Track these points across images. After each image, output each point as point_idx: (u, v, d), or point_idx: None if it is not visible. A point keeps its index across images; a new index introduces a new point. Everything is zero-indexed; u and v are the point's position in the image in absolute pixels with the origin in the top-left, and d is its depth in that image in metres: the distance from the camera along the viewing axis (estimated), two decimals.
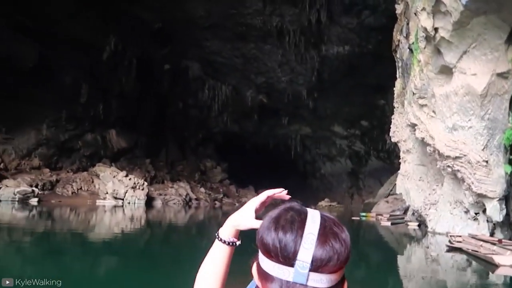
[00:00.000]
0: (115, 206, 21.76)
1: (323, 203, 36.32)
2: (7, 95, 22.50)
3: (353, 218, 21.47)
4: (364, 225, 20.03)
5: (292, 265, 0.71)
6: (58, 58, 24.40)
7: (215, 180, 38.03)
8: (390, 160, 33.56)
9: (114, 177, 24.37)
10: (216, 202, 32.56)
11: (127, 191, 23.60)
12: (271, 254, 0.73)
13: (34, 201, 19.15)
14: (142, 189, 24.36)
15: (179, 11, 24.98)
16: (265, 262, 0.75)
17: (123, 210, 19.99)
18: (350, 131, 36.39)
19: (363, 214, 22.42)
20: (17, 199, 18.58)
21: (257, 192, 39.45)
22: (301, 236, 0.72)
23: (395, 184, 18.80)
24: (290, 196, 1.01)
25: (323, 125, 36.24)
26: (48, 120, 25.44)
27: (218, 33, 27.00)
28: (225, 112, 35.47)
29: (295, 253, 0.71)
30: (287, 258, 0.71)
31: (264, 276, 0.75)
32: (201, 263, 0.99)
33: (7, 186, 19.43)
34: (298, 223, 0.74)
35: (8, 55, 20.95)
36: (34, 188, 20.13)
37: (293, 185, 50.14)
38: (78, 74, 25.93)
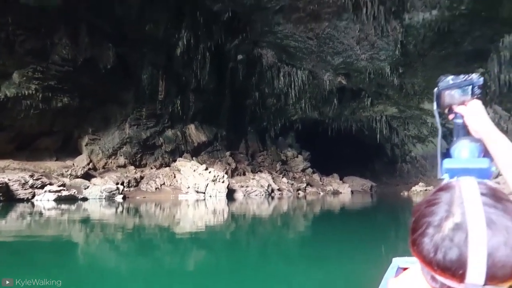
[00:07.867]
0: (197, 200, 21.59)
1: (417, 187, 33.26)
2: (90, 97, 23.44)
3: None
4: None
5: None
6: (134, 57, 24.93)
7: (297, 169, 36.78)
8: None
9: (194, 171, 24.29)
10: (300, 191, 31.28)
11: (207, 184, 23.33)
12: None
13: (119, 198, 19.60)
14: (223, 182, 23.93)
15: None
16: None
17: (205, 203, 19.64)
18: None
19: None
20: (103, 197, 19.14)
21: (342, 180, 37.60)
22: None
23: None
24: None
25: (411, 103, 33.01)
26: (130, 119, 26.20)
27: (289, 15, 25.58)
28: (302, 99, 34.02)
29: None
30: None
31: None
32: None
33: (94, 184, 20.18)
34: None
35: (86, 58, 21.67)
36: (119, 186, 20.63)
37: (381, 170, 47.44)
38: (154, 72, 26.31)
